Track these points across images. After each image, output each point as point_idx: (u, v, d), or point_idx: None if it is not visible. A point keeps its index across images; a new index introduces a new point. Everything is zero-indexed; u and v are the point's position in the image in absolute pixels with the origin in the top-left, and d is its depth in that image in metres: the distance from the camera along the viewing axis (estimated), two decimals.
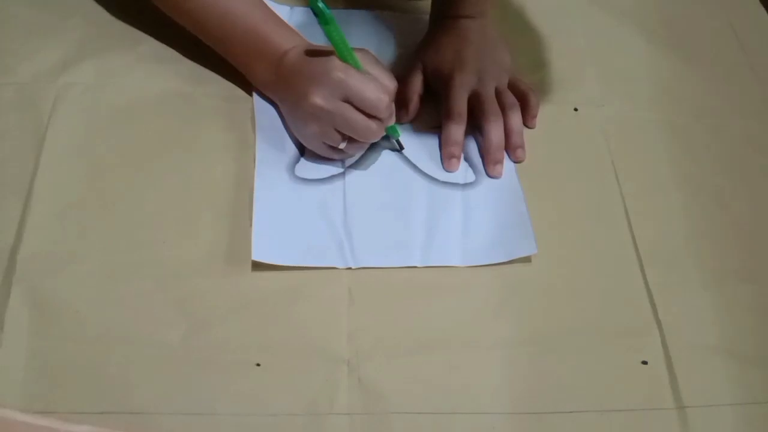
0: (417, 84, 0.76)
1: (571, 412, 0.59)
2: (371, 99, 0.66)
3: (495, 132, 0.73)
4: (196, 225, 0.66)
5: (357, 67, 0.67)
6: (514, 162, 0.73)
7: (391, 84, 0.68)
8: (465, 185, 0.71)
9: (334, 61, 0.67)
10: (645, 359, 0.62)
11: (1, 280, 0.60)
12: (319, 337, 0.61)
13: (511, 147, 0.74)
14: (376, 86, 0.67)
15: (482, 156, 0.74)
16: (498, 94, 0.75)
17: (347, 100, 0.66)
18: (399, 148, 0.73)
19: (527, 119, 0.76)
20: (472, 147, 0.75)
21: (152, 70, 0.75)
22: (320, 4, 0.63)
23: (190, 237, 0.65)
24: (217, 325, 0.61)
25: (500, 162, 0.73)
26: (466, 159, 0.74)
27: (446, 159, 0.73)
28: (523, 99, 0.76)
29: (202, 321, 0.61)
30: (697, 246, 0.70)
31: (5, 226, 0.63)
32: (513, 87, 0.77)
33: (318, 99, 0.66)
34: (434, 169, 0.72)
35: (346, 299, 0.63)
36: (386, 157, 0.72)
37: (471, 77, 0.75)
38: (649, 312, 0.65)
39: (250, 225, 0.65)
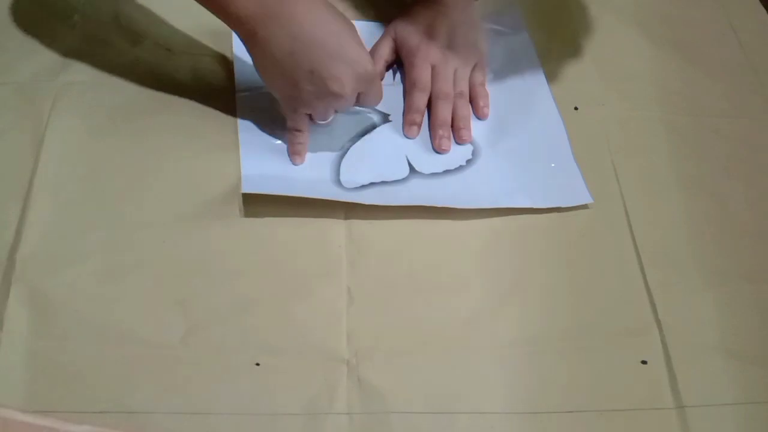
0: (384, 50, 0.77)
1: (570, 411, 0.59)
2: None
3: (442, 110, 0.74)
4: (195, 225, 0.66)
5: None
6: (458, 143, 0.74)
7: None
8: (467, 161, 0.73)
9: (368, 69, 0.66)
10: (645, 359, 0.62)
11: (0, 280, 0.60)
12: (318, 337, 0.61)
13: (454, 128, 0.75)
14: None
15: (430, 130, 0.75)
16: (456, 77, 0.76)
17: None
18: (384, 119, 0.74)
19: (475, 111, 0.77)
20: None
21: (152, 69, 0.75)
22: None
23: (189, 237, 0.65)
24: (217, 325, 0.60)
25: (446, 137, 0.74)
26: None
27: (408, 126, 0.74)
28: (473, 94, 0.77)
29: (202, 321, 0.61)
30: (697, 246, 0.70)
31: (5, 226, 0.63)
32: (473, 76, 0.77)
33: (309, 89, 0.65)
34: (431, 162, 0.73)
35: (345, 299, 0.63)
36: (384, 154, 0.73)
37: (436, 52, 0.75)
38: (648, 312, 0.65)
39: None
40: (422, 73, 0.75)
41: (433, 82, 0.76)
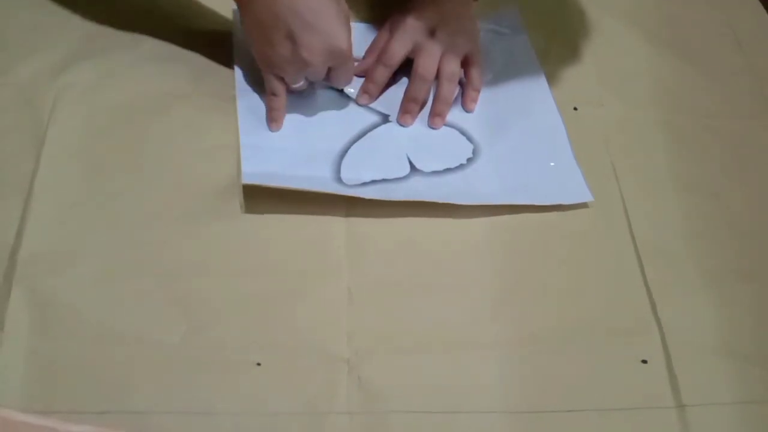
0: (380, 41, 0.77)
1: (570, 411, 0.59)
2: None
3: (416, 88, 0.74)
4: (195, 225, 0.66)
5: None
6: (432, 128, 0.75)
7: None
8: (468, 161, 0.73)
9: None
10: (645, 358, 0.62)
11: (1, 280, 0.60)
12: (318, 336, 0.61)
13: (432, 112, 0.75)
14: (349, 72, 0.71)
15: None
16: (443, 58, 0.75)
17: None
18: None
19: (465, 101, 0.77)
20: (467, 120, 0.76)
21: (152, 70, 0.75)
22: None
23: (190, 237, 0.65)
24: (217, 325, 0.61)
25: (409, 113, 0.74)
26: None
27: (360, 93, 0.75)
28: (468, 78, 0.76)
29: (202, 321, 0.61)
30: (696, 245, 0.70)
31: (5, 226, 0.63)
32: (465, 63, 0.76)
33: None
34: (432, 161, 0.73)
35: (345, 298, 0.63)
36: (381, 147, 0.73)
37: (422, 25, 0.74)
38: (648, 311, 0.65)
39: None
40: (397, 45, 0.75)
41: (415, 58, 0.75)
